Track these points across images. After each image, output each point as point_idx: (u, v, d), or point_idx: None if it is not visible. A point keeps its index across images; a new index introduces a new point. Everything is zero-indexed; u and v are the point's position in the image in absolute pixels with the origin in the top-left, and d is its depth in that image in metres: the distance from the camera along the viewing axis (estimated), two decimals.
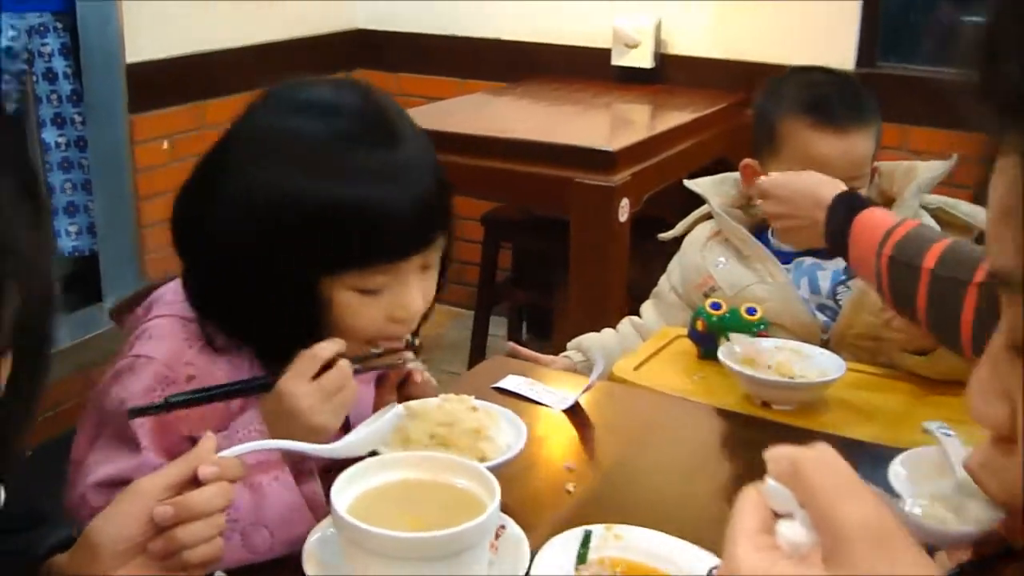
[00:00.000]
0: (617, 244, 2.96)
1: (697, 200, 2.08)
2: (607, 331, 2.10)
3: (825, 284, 1.90)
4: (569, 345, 2.05)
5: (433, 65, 4.16)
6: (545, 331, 3.84)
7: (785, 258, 1.92)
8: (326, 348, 1.22)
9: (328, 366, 1.21)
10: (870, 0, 3.62)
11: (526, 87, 3.85)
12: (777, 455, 0.68)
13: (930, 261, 1.38)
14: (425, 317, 1.35)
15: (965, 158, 2.02)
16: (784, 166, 1.86)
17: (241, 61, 3.75)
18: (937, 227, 1.87)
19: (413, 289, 1.27)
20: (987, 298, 1.31)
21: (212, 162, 1.29)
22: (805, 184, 1.63)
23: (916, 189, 1.92)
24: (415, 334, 1.33)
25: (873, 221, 1.50)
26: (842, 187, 1.60)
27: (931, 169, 1.93)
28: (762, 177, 1.74)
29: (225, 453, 1.04)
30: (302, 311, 1.24)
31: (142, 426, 1.21)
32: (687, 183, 2.07)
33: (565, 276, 3.11)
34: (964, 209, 1.94)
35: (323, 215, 1.20)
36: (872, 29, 3.64)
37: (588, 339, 2.04)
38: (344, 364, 1.22)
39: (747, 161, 1.97)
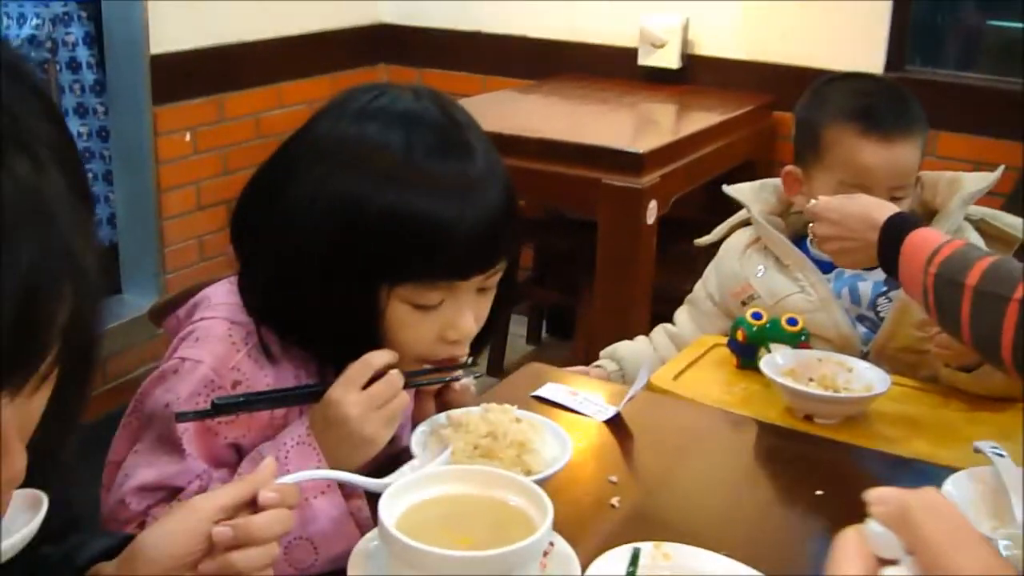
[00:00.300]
0: (644, 247, 2.94)
1: (725, 203, 2.06)
2: (640, 339, 2.07)
3: (866, 295, 1.87)
4: (602, 354, 2.01)
5: (457, 62, 4.13)
6: (567, 332, 3.81)
7: (825, 267, 1.88)
8: (378, 357, 1.20)
9: (379, 376, 1.18)
10: (900, 3, 3.58)
11: (551, 86, 3.82)
12: (884, 497, 0.65)
13: (973, 278, 1.37)
14: (480, 341, 1.32)
15: (994, 166, 1.99)
16: (828, 174, 1.84)
17: (263, 54, 3.72)
18: (982, 241, 1.85)
19: (467, 311, 1.24)
20: None
21: (278, 166, 1.26)
22: (858, 206, 1.62)
23: (961, 202, 1.88)
24: (471, 356, 1.31)
25: (922, 240, 1.49)
26: (894, 208, 1.59)
27: (977, 182, 1.89)
28: (812, 201, 1.72)
29: (285, 479, 1.01)
30: (358, 318, 1.21)
31: (186, 431, 1.19)
32: (726, 189, 2.03)
33: (588, 277, 3.09)
34: (1007, 220, 1.90)
35: (387, 224, 1.17)
36: (901, 32, 3.60)
37: (623, 348, 2.01)
38: (395, 375, 1.19)
39: (789, 168, 1.93)
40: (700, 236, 2.11)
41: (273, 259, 1.23)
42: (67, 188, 0.68)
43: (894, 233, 1.53)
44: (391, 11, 4.28)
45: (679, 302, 2.13)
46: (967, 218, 1.90)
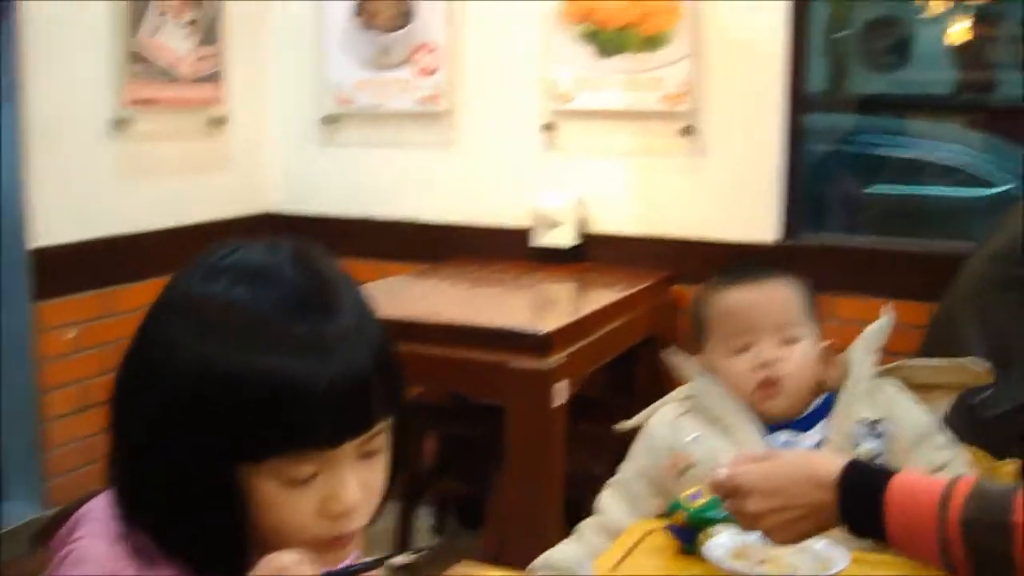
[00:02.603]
0: (554, 430, 2.86)
1: (629, 380, 2.02)
2: (569, 541, 1.95)
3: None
4: (535, 565, 1.89)
5: (349, 249, 4.01)
6: (476, 522, 3.68)
7: (771, 428, 1.83)
8: (283, 559, 1.04)
9: None
10: (790, 174, 3.65)
11: (448, 269, 3.78)
12: None
13: (1021, 515, 1.20)
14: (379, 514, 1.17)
15: (899, 326, 1.98)
16: (716, 341, 1.87)
17: (151, 246, 3.64)
18: (907, 392, 1.85)
19: (348, 480, 1.09)
20: None
21: (140, 333, 1.13)
22: (791, 466, 1.40)
23: (863, 347, 1.88)
24: (401, 556, 1.16)
25: (917, 486, 1.30)
26: (835, 459, 1.39)
27: (873, 328, 1.89)
28: (726, 471, 1.45)
29: None
30: (220, 505, 1.06)
31: None
32: (670, 359, 1.98)
33: (496, 464, 2.99)
34: (933, 363, 1.92)
35: (235, 390, 1.03)
36: (793, 202, 3.67)
37: (556, 554, 1.89)
38: None
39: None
40: (607, 415, 2.06)
41: (128, 448, 1.10)
42: None
43: (864, 485, 1.33)
44: (279, 200, 4.25)
45: (592, 484, 2.04)
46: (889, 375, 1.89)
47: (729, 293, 1.90)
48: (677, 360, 1.97)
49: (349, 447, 1.09)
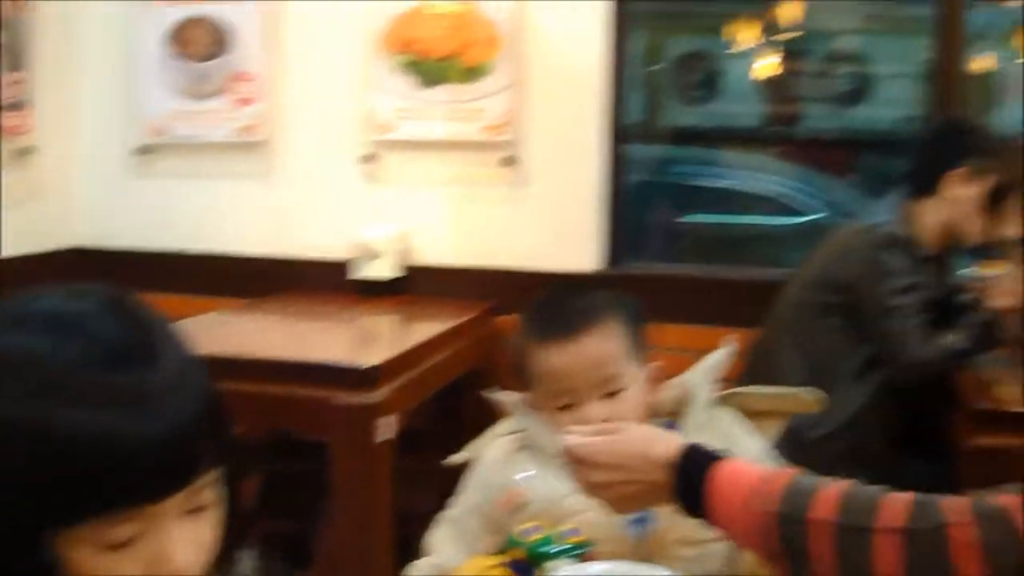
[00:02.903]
0: (381, 465, 2.80)
1: (458, 410, 1.98)
2: None
3: None
4: None
5: (165, 284, 3.90)
6: (304, 561, 3.59)
7: None
8: None
9: None
10: (611, 204, 3.70)
11: (268, 304, 3.68)
12: None
13: (829, 511, 1.25)
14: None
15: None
16: (539, 393, 1.82)
17: None
18: (741, 420, 1.86)
19: (175, 539, 1.01)
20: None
21: None
22: (632, 444, 1.46)
23: (703, 371, 1.88)
24: None
25: (739, 475, 1.35)
26: (674, 440, 1.45)
27: (714, 357, 1.91)
28: (570, 440, 1.53)
29: None
30: None
31: None
32: (493, 397, 1.94)
33: (320, 501, 2.93)
34: (767, 392, 1.95)
35: (33, 448, 0.95)
36: (614, 232, 3.72)
37: None
38: None
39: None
40: (434, 449, 2.02)
41: None
42: None
43: (693, 469, 1.39)
44: (90, 234, 4.08)
45: (422, 520, 1.99)
46: (726, 404, 1.90)
47: (547, 353, 1.81)
48: (501, 398, 1.93)
49: (173, 503, 1.01)
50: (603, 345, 1.81)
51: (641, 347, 1.89)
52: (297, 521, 3.45)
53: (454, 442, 2.01)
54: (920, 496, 1.24)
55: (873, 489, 1.28)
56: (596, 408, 1.79)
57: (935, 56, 3.72)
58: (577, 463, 1.50)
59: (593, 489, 1.50)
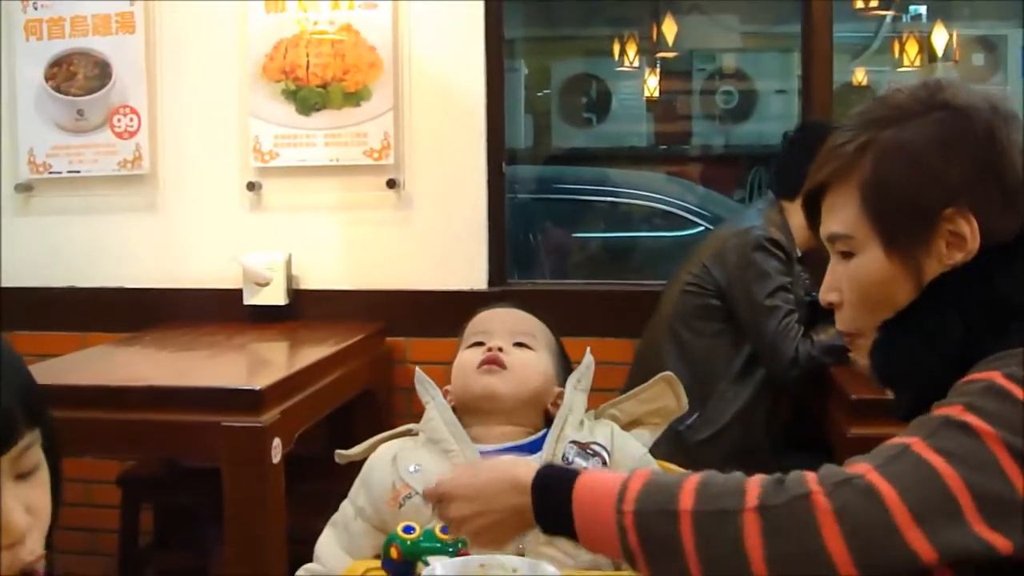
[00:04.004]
0: (273, 488, 2.79)
1: (351, 433, 2.01)
2: None
3: None
4: None
5: (52, 320, 3.88)
6: None
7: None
8: None
9: None
10: (495, 224, 3.76)
11: (156, 334, 3.66)
12: None
13: (687, 502, 1.26)
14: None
15: (611, 364, 2.07)
16: (462, 347, 2.00)
17: None
18: (624, 435, 1.92)
19: (8, 502, 0.99)
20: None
21: None
22: (492, 473, 1.45)
23: (573, 382, 1.95)
24: None
25: (598, 482, 1.34)
26: (532, 464, 1.44)
27: (580, 367, 1.98)
28: (436, 479, 1.53)
29: None
30: None
31: None
32: (416, 376, 2.00)
33: (217, 530, 2.91)
34: (632, 395, 2.00)
35: None
36: (499, 250, 3.77)
37: None
38: None
39: None
40: (328, 472, 2.03)
41: None
42: None
43: (554, 485, 1.37)
44: None
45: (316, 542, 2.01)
46: (599, 417, 1.96)
47: (483, 313, 2.07)
48: (420, 378, 1.99)
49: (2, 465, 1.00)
50: (528, 313, 2.06)
51: (558, 355, 2.05)
52: (194, 553, 3.43)
53: (349, 465, 2.02)
54: (778, 475, 1.26)
55: (732, 475, 1.30)
56: (501, 342, 1.96)
57: (805, 71, 3.85)
58: (439, 500, 1.49)
59: (456, 524, 1.47)
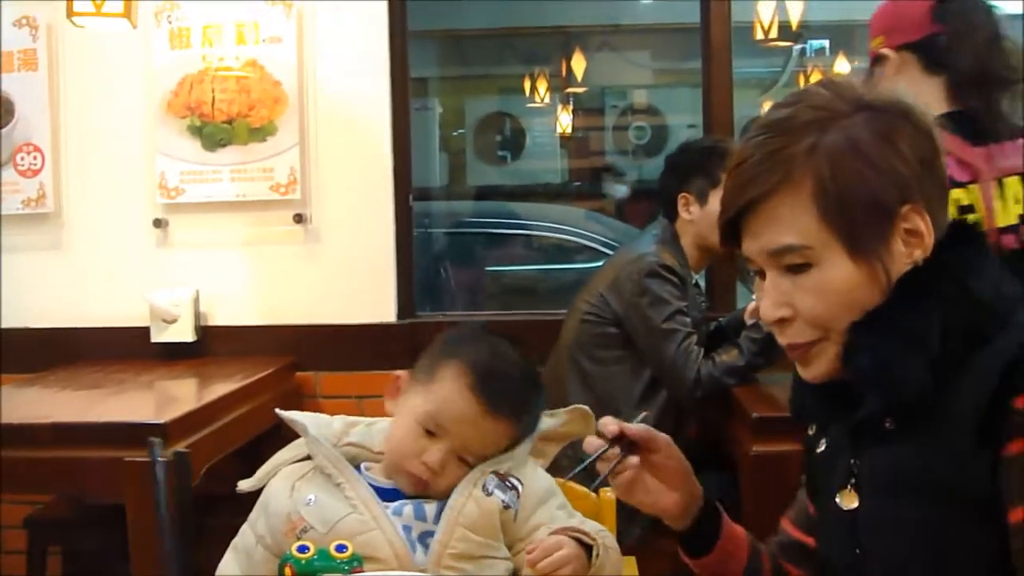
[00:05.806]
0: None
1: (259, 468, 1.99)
2: None
3: (432, 511, 1.84)
4: None
5: None
6: None
7: (386, 495, 1.85)
8: None
9: None
10: (403, 257, 3.79)
11: (61, 374, 3.61)
12: None
13: None
14: None
15: None
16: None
17: None
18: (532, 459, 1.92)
19: None
20: None
21: None
22: None
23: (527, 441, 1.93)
24: None
25: None
26: None
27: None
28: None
29: None
30: None
31: None
32: (281, 414, 1.96)
33: (126, 569, 2.88)
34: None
35: None
36: (407, 284, 3.81)
37: None
38: None
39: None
40: (238, 509, 2.02)
41: None
42: None
43: None
44: None
45: None
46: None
47: (473, 409, 1.84)
48: (294, 417, 1.96)
49: None
50: (506, 436, 1.87)
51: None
52: None
53: (256, 497, 2.02)
54: None
55: None
56: (449, 466, 1.84)
57: (705, 101, 3.94)
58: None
59: None
